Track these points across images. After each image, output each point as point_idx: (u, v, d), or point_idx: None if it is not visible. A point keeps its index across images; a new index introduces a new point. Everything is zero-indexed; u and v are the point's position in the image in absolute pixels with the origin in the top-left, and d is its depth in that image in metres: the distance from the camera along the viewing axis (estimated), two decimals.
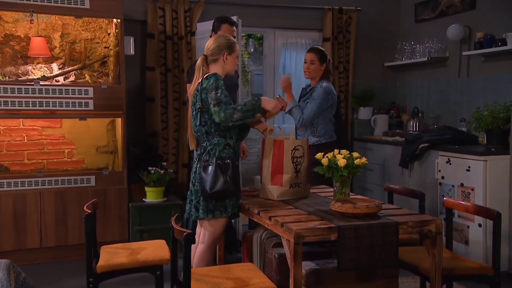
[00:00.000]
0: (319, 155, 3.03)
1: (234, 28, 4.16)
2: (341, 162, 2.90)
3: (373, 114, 5.91)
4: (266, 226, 2.76)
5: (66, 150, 4.75)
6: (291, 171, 3.09)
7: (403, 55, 5.80)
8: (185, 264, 2.33)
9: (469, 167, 4.08)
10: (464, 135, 4.58)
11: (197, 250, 3.08)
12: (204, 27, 5.12)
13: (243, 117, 2.95)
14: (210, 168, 2.96)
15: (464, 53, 5.00)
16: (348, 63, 5.82)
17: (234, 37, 4.11)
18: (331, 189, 3.42)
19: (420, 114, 5.60)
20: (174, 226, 2.49)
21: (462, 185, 4.15)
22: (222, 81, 3.00)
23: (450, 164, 4.29)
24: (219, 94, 2.94)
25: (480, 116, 4.28)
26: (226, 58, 3.10)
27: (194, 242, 2.35)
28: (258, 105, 3.00)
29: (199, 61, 3.14)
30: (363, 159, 2.97)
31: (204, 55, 3.14)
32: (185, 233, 2.32)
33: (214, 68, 3.11)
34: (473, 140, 4.50)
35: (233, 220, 4.01)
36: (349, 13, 5.78)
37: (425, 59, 5.41)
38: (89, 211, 2.81)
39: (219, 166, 2.95)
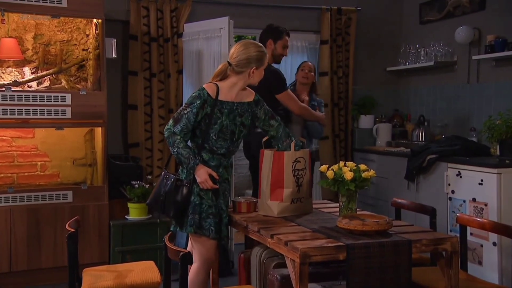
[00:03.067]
0: (323, 168, 3.07)
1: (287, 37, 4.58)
2: (348, 175, 2.94)
3: (374, 123, 5.98)
4: (268, 244, 2.78)
5: (39, 163, 4.72)
6: (292, 185, 3.12)
7: (407, 59, 5.89)
8: (182, 286, 2.34)
9: (481, 180, 4.14)
10: (475, 146, 4.64)
11: (190, 270, 3.12)
12: (192, 28, 5.16)
13: (175, 155, 3.10)
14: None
15: (474, 57, 5.10)
16: (347, 67, 5.89)
17: (287, 46, 4.54)
18: (335, 204, 3.47)
19: (426, 123, 5.68)
20: (168, 245, 2.50)
21: (474, 200, 4.21)
22: (201, 101, 3.06)
23: (460, 177, 4.35)
24: (184, 112, 3.07)
25: (492, 125, 4.35)
26: (253, 72, 3.15)
27: (191, 263, 2.36)
28: (190, 167, 3.07)
29: (221, 67, 3.19)
30: (371, 172, 3.02)
31: (228, 62, 3.16)
32: (181, 253, 2.33)
33: (235, 79, 3.16)
34: (485, 151, 4.57)
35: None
36: (349, 14, 5.86)
37: (431, 63, 5.50)
38: (72, 230, 2.81)
39: (164, 178, 3.16)
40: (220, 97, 3.12)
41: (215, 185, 3.10)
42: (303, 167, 3.16)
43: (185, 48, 5.21)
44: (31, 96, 4.36)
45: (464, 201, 4.31)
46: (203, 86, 3.15)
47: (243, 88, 3.21)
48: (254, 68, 3.14)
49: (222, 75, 3.18)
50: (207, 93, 3.09)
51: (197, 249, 3.14)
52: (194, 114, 3.06)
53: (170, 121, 3.10)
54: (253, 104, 3.25)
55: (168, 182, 3.11)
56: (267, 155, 3.15)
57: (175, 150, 3.06)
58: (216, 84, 3.14)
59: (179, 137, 3.05)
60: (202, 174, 3.07)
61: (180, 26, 5.19)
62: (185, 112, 3.06)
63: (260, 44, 3.24)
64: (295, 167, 3.13)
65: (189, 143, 3.17)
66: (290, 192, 3.11)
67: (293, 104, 4.34)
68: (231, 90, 3.16)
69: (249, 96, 3.25)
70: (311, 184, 3.25)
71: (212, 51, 4.99)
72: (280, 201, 3.11)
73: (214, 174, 3.10)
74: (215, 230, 3.11)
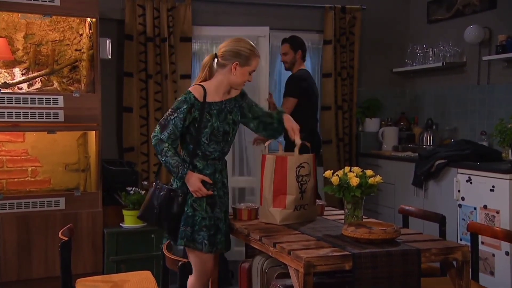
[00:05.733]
0: (328, 173, 3.08)
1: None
2: (354, 181, 2.94)
3: (380, 126, 5.99)
4: (270, 253, 2.78)
5: (30, 168, 4.72)
6: (296, 192, 3.12)
7: (414, 60, 5.91)
8: None
9: (493, 186, 4.15)
10: (486, 150, 4.65)
11: (188, 283, 3.12)
12: (217, 32, 5.17)
13: (163, 164, 3.09)
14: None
15: (484, 57, 5.10)
16: (351, 68, 5.90)
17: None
18: (340, 212, 3.47)
19: (434, 127, 5.69)
20: (166, 254, 2.50)
21: (485, 207, 4.22)
22: (188, 106, 3.03)
23: (471, 183, 4.36)
24: (171, 118, 3.04)
25: (504, 128, 4.36)
26: (235, 69, 3.10)
27: (191, 273, 2.36)
28: (179, 176, 3.06)
29: (206, 59, 3.18)
30: (378, 178, 3.03)
31: (215, 53, 3.17)
32: (180, 263, 2.33)
33: (219, 74, 3.14)
34: (497, 156, 4.57)
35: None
36: (353, 13, 5.87)
37: (440, 64, 5.51)
38: (66, 238, 2.81)
39: (156, 189, 3.11)
40: (208, 99, 3.10)
41: (210, 192, 3.09)
42: (307, 172, 3.16)
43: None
44: (21, 99, 4.36)
45: (475, 208, 4.32)
46: (189, 89, 3.12)
47: (228, 88, 3.17)
48: (237, 63, 3.08)
49: (208, 70, 3.16)
50: (194, 96, 3.06)
51: (192, 261, 3.11)
52: (181, 119, 3.03)
53: (157, 128, 3.07)
54: (239, 98, 3.25)
55: (161, 194, 3.07)
56: (269, 160, 3.15)
57: (163, 159, 3.04)
58: (202, 86, 3.12)
59: (167, 144, 3.02)
60: (195, 183, 3.04)
61: (185, 27, 5.18)
62: (172, 118, 3.04)
63: (254, 46, 3.18)
64: (299, 172, 3.13)
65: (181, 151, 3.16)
66: (293, 198, 3.11)
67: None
68: (218, 90, 3.14)
69: (235, 92, 3.24)
70: (315, 190, 3.25)
71: None
72: (283, 208, 3.11)
73: (207, 178, 3.09)
74: (209, 243, 3.08)
